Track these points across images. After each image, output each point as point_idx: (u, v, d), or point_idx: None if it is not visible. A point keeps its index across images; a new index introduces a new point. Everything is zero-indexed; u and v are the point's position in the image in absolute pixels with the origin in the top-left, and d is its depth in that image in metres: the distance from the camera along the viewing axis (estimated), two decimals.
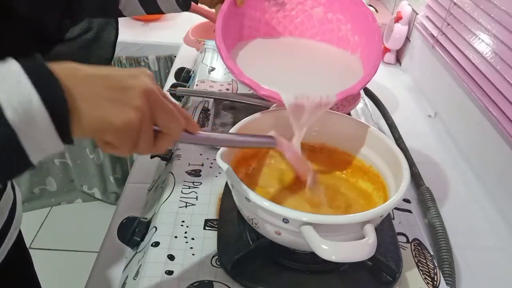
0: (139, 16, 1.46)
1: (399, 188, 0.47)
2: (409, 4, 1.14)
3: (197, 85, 0.89)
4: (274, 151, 0.61)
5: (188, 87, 0.93)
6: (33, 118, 0.28)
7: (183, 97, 0.90)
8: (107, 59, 0.62)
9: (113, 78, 0.32)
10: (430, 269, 0.53)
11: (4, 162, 0.29)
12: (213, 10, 0.66)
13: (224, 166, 0.47)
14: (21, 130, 0.28)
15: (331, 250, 0.39)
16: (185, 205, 0.59)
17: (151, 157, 0.70)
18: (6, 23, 0.40)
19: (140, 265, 0.51)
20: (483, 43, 0.80)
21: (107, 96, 0.31)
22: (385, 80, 1.13)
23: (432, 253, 0.55)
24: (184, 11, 0.68)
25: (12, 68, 0.28)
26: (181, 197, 0.60)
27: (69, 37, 0.56)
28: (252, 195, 0.44)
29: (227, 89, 0.88)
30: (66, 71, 0.30)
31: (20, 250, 0.66)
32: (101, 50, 0.61)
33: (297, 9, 0.67)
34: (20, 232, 0.64)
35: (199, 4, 0.68)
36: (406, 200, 0.63)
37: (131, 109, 0.32)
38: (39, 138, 0.29)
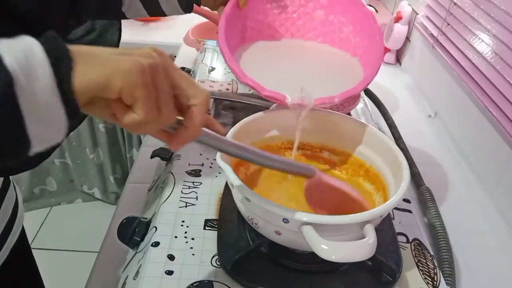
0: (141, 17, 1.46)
1: (399, 188, 0.47)
2: (409, 4, 1.14)
3: None
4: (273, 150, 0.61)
5: None
6: (32, 67, 0.25)
7: None
8: None
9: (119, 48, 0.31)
10: (430, 269, 0.53)
11: None
12: (215, 12, 0.67)
13: (224, 166, 0.47)
14: (19, 78, 0.25)
15: (331, 250, 0.39)
16: (185, 205, 0.59)
17: (151, 157, 0.70)
18: (9, 22, 0.40)
19: (140, 265, 0.51)
20: (483, 43, 0.80)
21: (111, 52, 0.29)
22: (385, 80, 1.13)
23: (432, 253, 0.55)
24: (187, 13, 0.68)
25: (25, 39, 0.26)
26: (181, 197, 0.60)
27: (72, 37, 0.56)
28: (252, 195, 0.44)
29: (227, 89, 0.88)
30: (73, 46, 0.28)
31: (23, 246, 0.67)
32: None
33: (299, 12, 0.67)
34: (23, 229, 0.65)
35: (201, 6, 0.69)
36: (406, 200, 0.63)
37: (138, 56, 0.30)
38: (37, 92, 0.26)
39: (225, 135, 0.38)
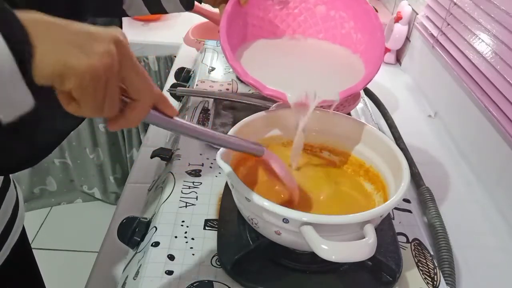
0: (141, 16, 1.46)
1: (399, 188, 0.47)
2: (409, 4, 1.14)
3: (197, 85, 0.89)
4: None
5: (188, 87, 0.93)
6: None
7: (183, 97, 0.90)
8: None
9: (80, 26, 0.30)
10: (430, 269, 0.53)
11: None
12: (216, 10, 0.67)
13: (224, 166, 0.47)
14: None
15: (331, 250, 0.39)
16: (185, 205, 0.59)
17: (151, 157, 0.70)
18: None
19: (140, 265, 0.51)
20: (483, 43, 0.80)
21: (71, 40, 0.29)
22: (385, 80, 1.13)
23: (432, 253, 0.55)
24: (187, 10, 0.69)
25: None
26: (181, 197, 0.60)
27: None
28: (252, 195, 0.44)
29: (227, 89, 0.88)
30: (29, 15, 0.28)
31: (24, 246, 0.67)
32: None
33: (300, 7, 0.67)
34: (23, 229, 0.65)
35: (202, 4, 0.69)
36: (406, 200, 0.63)
37: (96, 55, 0.30)
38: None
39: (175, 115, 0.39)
